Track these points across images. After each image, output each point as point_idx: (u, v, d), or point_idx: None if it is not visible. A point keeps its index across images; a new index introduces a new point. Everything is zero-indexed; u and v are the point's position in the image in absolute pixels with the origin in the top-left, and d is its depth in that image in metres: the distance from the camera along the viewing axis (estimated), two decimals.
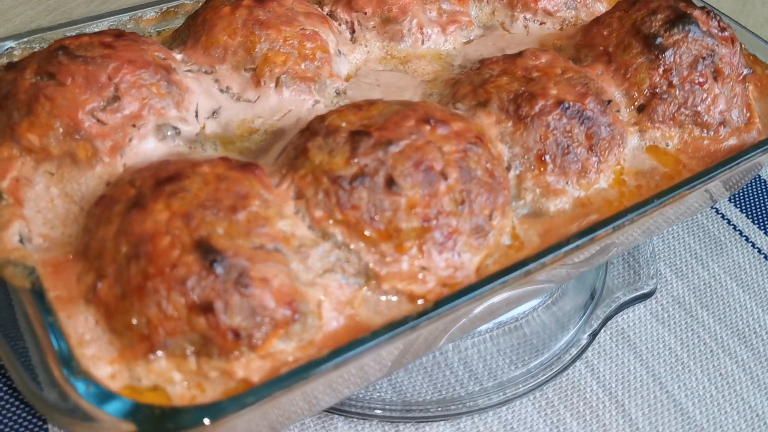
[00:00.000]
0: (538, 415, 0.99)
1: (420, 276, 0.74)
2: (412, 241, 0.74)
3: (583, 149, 0.87)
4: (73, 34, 0.97)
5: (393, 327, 0.67)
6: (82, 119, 0.79)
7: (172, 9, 1.05)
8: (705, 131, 0.96)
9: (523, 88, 0.89)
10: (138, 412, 0.60)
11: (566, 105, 0.88)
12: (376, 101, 0.83)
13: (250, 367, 0.66)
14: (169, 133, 0.83)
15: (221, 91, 0.91)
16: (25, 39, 0.96)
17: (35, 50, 0.94)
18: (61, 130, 0.79)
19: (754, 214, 1.29)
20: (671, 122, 0.95)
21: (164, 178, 0.71)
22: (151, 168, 0.76)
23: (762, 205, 1.30)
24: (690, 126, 0.95)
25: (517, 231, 0.82)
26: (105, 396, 0.60)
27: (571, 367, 1.03)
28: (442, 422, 0.96)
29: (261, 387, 0.61)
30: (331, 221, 0.74)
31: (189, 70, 0.91)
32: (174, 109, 0.85)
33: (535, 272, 0.75)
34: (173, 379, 0.65)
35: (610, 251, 0.90)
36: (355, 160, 0.75)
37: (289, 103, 0.91)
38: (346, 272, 0.74)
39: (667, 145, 0.95)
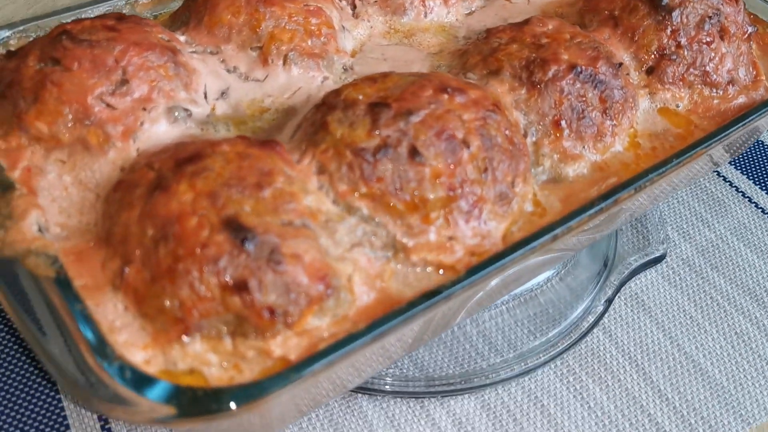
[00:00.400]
0: (561, 383, 0.99)
1: (448, 246, 0.73)
2: (438, 211, 0.73)
3: (597, 113, 0.87)
4: (69, 20, 0.94)
5: (431, 295, 0.66)
6: (91, 104, 0.77)
7: None
8: (714, 90, 0.96)
9: (534, 55, 0.88)
10: (180, 395, 0.58)
11: (579, 69, 0.87)
12: (390, 73, 0.82)
13: (288, 345, 0.65)
14: (180, 115, 0.81)
15: (228, 71, 0.89)
16: (21, 27, 0.93)
17: (33, 38, 0.91)
18: (70, 116, 0.77)
19: (756, 176, 1.30)
20: (681, 83, 0.95)
21: (184, 158, 0.70)
22: (167, 150, 0.74)
23: (763, 166, 1.31)
24: (699, 86, 0.95)
25: (538, 197, 0.82)
26: (144, 381, 0.59)
27: (590, 335, 1.03)
28: (467, 395, 0.96)
29: (306, 361, 0.60)
30: (355, 195, 0.73)
31: (194, 52, 0.89)
32: (183, 91, 0.83)
33: (562, 236, 0.74)
34: (209, 361, 0.64)
35: (626, 214, 0.90)
36: (377, 132, 0.73)
37: (298, 81, 0.89)
38: (374, 246, 0.73)
39: (678, 106, 0.95)
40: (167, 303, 0.63)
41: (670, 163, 0.82)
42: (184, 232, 0.64)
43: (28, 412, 0.89)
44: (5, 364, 0.92)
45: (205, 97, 0.85)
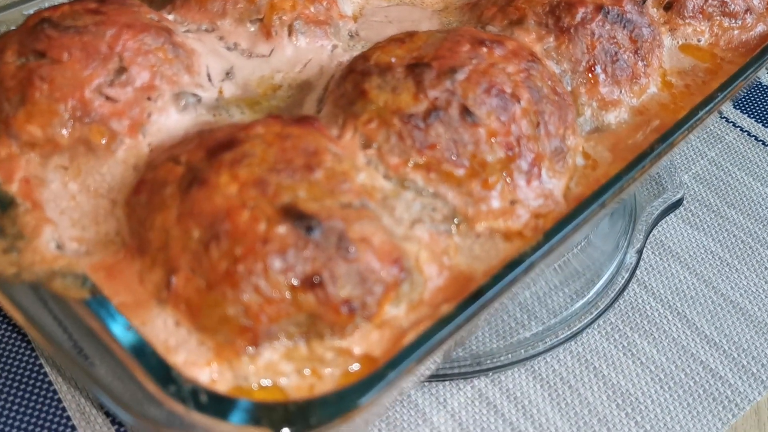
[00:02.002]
0: (608, 342, 0.95)
1: (512, 210, 0.67)
2: (498, 174, 0.67)
3: (630, 54, 0.82)
4: (31, 11, 0.83)
5: (514, 265, 0.60)
6: (89, 98, 0.67)
7: None
8: (733, 21, 0.92)
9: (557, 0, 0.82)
10: (270, 415, 0.51)
11: (606, 10, 0.82)
12: (415, 32, 0.75)
13: (369, 340, 0.58)
14: (189, 101, 0.72)
15: (228, 48, 0.80)
16: None
17: None
18: (66, 115, 0.67)
19: (757, 114, 1.28)
20: (700, 16, 0.91)
21: (216, 146, 0.61)
22: (189, 141, 0.65)
23: (762, 104, 1.30)
24: (718, 17, 0.92)
25: (586, 149, 0.77)
26: (225, 403, 0.51)
27: (627, 290, 0.99)
28: (516, 368, 0.91)
29: (403, 354, 0.53)
30: (408, 166, 0.66)
31: (187, 31, 0.79)
32: (186, 74, 0.74)
33: (627, 186, 0.69)
34: (284, 370, 0.57)
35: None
36: (424, 94, 0.66)
37: (307, 52, 0.81)
38: (435, 219, 0.66)
39: (699, 40, 0.91)
40: (230, 311, 0.55)
41: (716, 98, 0.78)
42: (238, 229, 0.56)
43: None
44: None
45: (210, 79, 0.76)
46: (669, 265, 1.04)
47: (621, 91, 0.81)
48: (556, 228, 0.64)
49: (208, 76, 0.76)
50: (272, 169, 0.59)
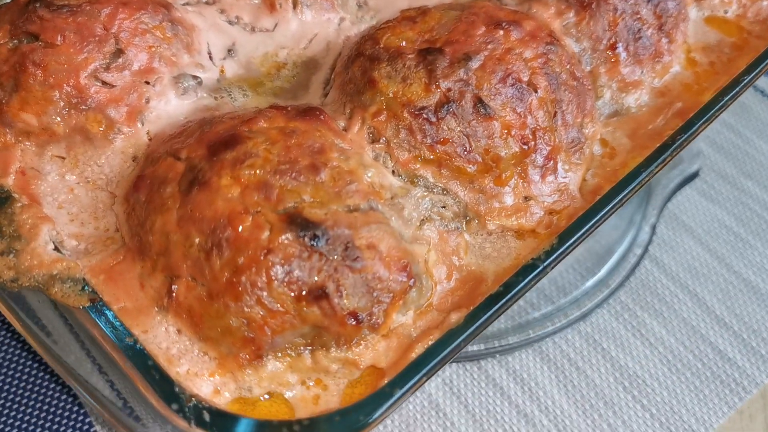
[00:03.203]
0: (618, 323, 0.93)
1: (525, 207, 0.65)
2: (511, 170, 0.64)
3: (653, 30, 0.78)
4: None
5: (526, 272, 0.58)
6: (85, 84, 0.64)
7: None
8: None
9: None
10: None
11: None
12: (428, 9, 0.71)
13: (376, 351, 0.56)
14: (189, 84, 0.69)
15: (230, 22, 0.76)
16: None
17: None
18: (61, 102, 0.64)
19: None
20: None
21: (218, 143, 0.58)
22: (189, 132, 0.62)
23: None
24: None
25: (604, 136, 0.73)
26: (230, 422, 0.50)
27: (639, 267, 0.97)
28: (524, 350, 0.90)
29: (410, 370, 0.52)
30: (419, 162, 0.63)
31: (187, 4, 0.75)
32: (186, 53, 0.70)
33: (646, 182, 0.66)
34: (288, 381, 0.56)
35: None
36: (436, 84, 0.63)
37: (313, 27, 0.77)
38: (445, 217, 0.64)
39: (726, 12, 0.86)
40: (232, 322, 0.54)
41: (741, 82, 0.74)
42: (240, 237, 0.54)
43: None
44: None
45: (210, 57, 0.73)
46: (682, 240, 1.02)
47: (643, 71, 0.77)
48: (571, 230, 0.61)
49: (209, 54, 0.73)
50: (276, 170, 0.57)
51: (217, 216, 0.55)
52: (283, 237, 0.54)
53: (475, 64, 0.64)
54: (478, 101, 0.63)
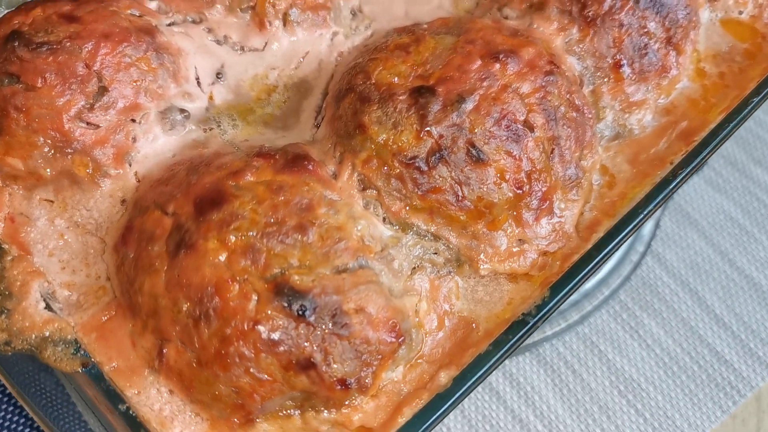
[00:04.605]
0: (615, 323, 0.94)
1: (519, 251, 0.64)
2: (505, 214, 0.63)
3: (661, 44, 0.74)
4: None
5: (515, 329, 0.58)
6: (69, 128, 0.63)
7: None
8: None
9: None
10: None
11: None
12: (422, 36, 0.68)
13: (365, 411, 0.57)
14: (177, 118, 0.67)
15: (218, 42, 0.73)
16: None
17: None
18: (46, 147, 0.63)
19: None
20: None
21: (205, 201, 0.58)
22: (177, 182, 0.61)
23: None
24: None
25: (604, 162, 0.71)
26: None
27: (641, 265, 0.97)
28: (522, 355, 0.91)
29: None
30: (410, 211, 0.62)
31: (172, 24, 0.72)
32: (172, 83, 0.68)
33: (646, 220, 0.65)
34: None
35: None
36: (427, 131, 0.61)
37: (304, 44, 0.74)
38: (436, 264, 0.63)
39: (741, 13, 0.82)
40: (222, 390, 0.55)
41: (749, 104, 0.71)
42: (227, 306, 0.54)
43: None
44: None
45: (199, 83, 0.71)
46: (686, 233, 1.01)
47: (648, 88, 0.74)
48: (563, 281, 0.61)
49: (197, 79, 0.70)
50: (263, 233, 0.56)
51: (204, 283, 0.55)
52: (270, 307, 0.54)
53: (469, 105, 0.62)
54: (472, 146, 0.61)
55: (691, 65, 0.78)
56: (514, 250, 0.64)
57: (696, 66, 0.78)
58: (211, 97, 0.70)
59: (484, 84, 0.63)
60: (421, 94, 0.62)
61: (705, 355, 0.92)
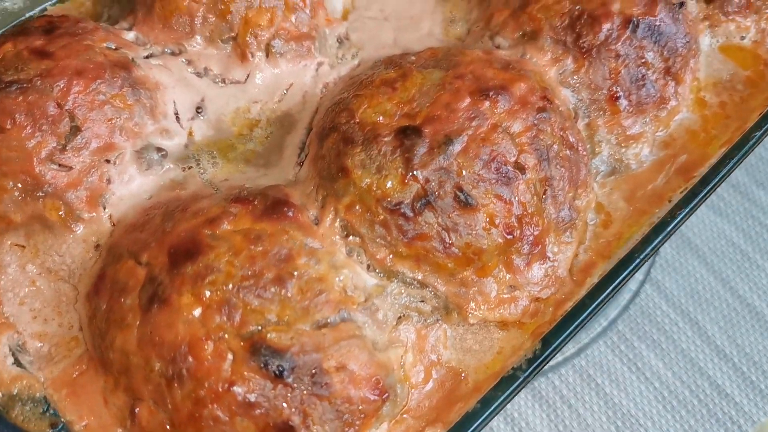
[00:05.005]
0: (613, 354, 0.91)
1: (509, 298, 0.61)
2: (496, 260, 0.60)
3: (659, 75, 0.71)
4: None
5: (505, 385, 0.56)
6: (40, 171, 0.60)
7: None
8: None
9: (578, 7, 0.70)
10: None
11: (635, 23, 0.70)
12: (408, 70, 0.65)
13: None
14: (154, 157, 0.64)
15: (199, 75, 0.70)
16: None
17: None
18: (16, 191, 0.60)
19: None
20: (746, 10, 0.78)
21: (179, 252, 0.55)
22: (151, 229, 0.58)
23: None
24: (767, 10, 0.79)
25: (600, 199, 0.69)
26: None
27: (640, 293, 0.94)
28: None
29: None
30: (395, 258, 0.59)
31: (150, 56, 0.70)
32: (149, 119, 0.65)
33: (642, 264, 0.62)
34: None
35: None
36: (413, 175, 0.58)
37: (288, 75, 0.71)
38: (423, 312, 0.60)
39: (743, 38, 0.79)
40: None
41: (751, 139, 0.68)
42: (201, 366, 0.52)
43: None
44: None
45: (178, 119, 0.68)
46: (686, 260, 0.98)
47: (646, 120, 0.71)
48: (555, 332, 0.58)
49: (176, 114, 0.68)
50: (239, 287, 0.53)
51: (178, 342, 0.52)
52: (246, 368, 0.51)
53: (456, 147, 0.59)
54: (459, 190, 0.58)
55: (691, 95, 0.75)
56: (505, 296, 0.61)
57: (696, 95, 0.75)
58: (190, 133, 0.68)
59: (473, 123, 0.60)
60: (406, 135, 0.59)
61: (705, 389, 0.89)
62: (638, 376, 0.89)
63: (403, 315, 0.60)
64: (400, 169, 0.58)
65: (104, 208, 0.62)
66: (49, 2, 0.78)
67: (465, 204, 0.58)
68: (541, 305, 0.62)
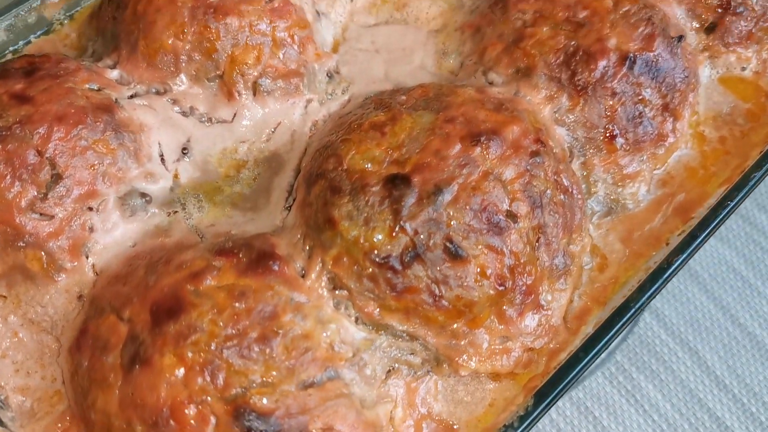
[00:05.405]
0: (612, 386, 0.90)
1: (501, 349, 0.60)
2: (487, 311, 0.59)
3: (657, 112, 0.70)
4: None
5: None
6: (20, 222, 0.59)
7: None
8: None
9: (573, 43, 0.69)
10: None
11: (632, 59, 0.68)
12: (397, 113, 0.63)
13: None
14: (138, 203, 0.63)
15: (184, 114, 0.69)
16: None
17: None
18: None
19: None
20: (748, 41, 0.76)
21: (162, 310, 0.54)
22: (134, 280, 0.57)
23: None
24: None
25: (595, 241, 0.67)
26: None
27: (638, 322, 0.93)
28: None
29: None
30: (384, 312, 0.58)
31: (134, 95, 0.68)
32: (133, 163, 0.64)
33: (636, 316, 0.61)
34: None
35: None
36: (401, 226, 0.57)
37: (277, 114, 0.70)
38: (413, 365, 0.59)
39: (744, 69, 0.77)
40: None
41: (749, 180, 0.67)
42: (183, 431, 0.50)
43: None
44: None
45: (163, 161, 0.66)
46: (686, 286, 0.96)
47: (643, 158, 0.69)
48: (548, 387, 0.57)
49: (161, 156, 0.66)
50: (222, 346, 0.52)
51: (159, 405, 0.51)
52: None
53: (446, 197, 0.57)
54: (449, 242, 0.57)
55: (690, 130, 0.73)
56: (497, 348, 0.60)
57: (695, 130, 0.73)
58: (176, 176, 0.66)
59: (464, 171, 0.59)
60: (395, 185, 0.57)
61: (705, 421, 0.87)
62: (636, 408, 0.88)
63: (393, 368, 0.58)
64: (388, 222, 0.57)
65: (87, 257, 0.61)
66: (33, 35, 0.76)
67: (455, 256, 0.57)
68: (535, 355, 0.61)
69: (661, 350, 0.92)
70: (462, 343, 0.59)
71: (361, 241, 0.57)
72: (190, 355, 0.52)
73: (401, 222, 0.57)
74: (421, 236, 0.57)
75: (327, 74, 0.73)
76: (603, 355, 0.89)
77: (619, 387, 0.90)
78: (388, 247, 0.56)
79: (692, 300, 0.95)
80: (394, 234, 0.56)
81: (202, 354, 0.52)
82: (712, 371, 0.91)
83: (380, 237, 0.56)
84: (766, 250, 0.99)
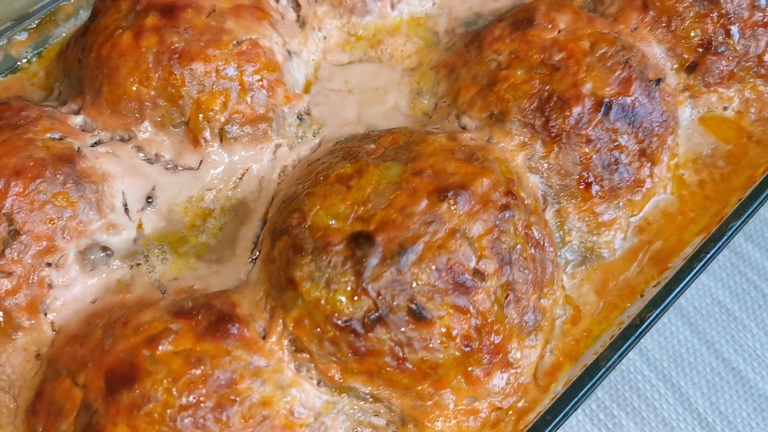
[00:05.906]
0: (591, 424, 0.88)
1: (468, 409, 0.58)
2: (453, 371, 0.58)
3: (633, 157, 0.68)
4: None
5: None
6: None
7: (47, 19, 0.76)
8: None
9: (548, 87, 0.67)
10: None
11: (608, 104, 0.67)
12: (364, 165, 0.62)
13: None
14: (99, 257, 0.62)
15: (150, 161, 0.67)
16: None
17: None
18: None
19: None
20: (729, 81, 0.74)
21: (117, 378, 0.52)
22: (91, 342, 0.56)
23: None
24: (752, 80, 0.75)
25: (568, 291, 0.66)
26: None
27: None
28: None
29: None
30: (346, 375, 0.56)
31: (98, 142, 0.66)
32: (95, 215, 0.63)
33: (613, 368, 0.60)
34: None
35: None
36: (364, 288, 0.55)
37: (244, 161, 0.68)
38: (377, 427, 0.58)
39: (725, 109, 0.75)
40: None
41: (727, 231, 0.65)
42: None
43: None
44: None
45: (126, 210, 0.65)
46: (669, 319, 0.95)
47: (619, 205, 0.68)
48: None
49: (125, 206, 0.65)
50: (177, 417, 0.51)
51: None
52: None
53: (411, 257, 0.56)
54: (413, 303, 0.55)
55: (669, 173, 0.71)
56: (464, 408, 0.58)
57: (674, 173, 0.72)
58: (140, 225, 0.65)
59: (430, 229, 0.57)
60: (358, 244, 0.56)
61: None
62: None
63: (357, 431, 0.57)
64: (350, 284, 0.55)
65: (45, 315, 0.59)
66: (1, 74, 0.75)
67: (419, 317, 0.55)
68: (503, 414, 0.59)
69: (643, 387, 0.90)
70: (428, 404, 0.58)
71: (323, 303, 0.55)
72: (142, 427, 0.50)
73: (363, 284, 0.55)
74: (384, 298, 0.55)
75: (297, 116, 0.71)
76: (581, 392, 0.88)
77: (599, 425, 0.88)
78: (350, 309, 0.55)
79: (675, 334, 0.94)
80: (356, 296, 0.55)
81: (156, 426, 0.51)
82: (694, 408, 0.89)
83: (342, 299, 0.55)
84: (751, 282, 0.97)
